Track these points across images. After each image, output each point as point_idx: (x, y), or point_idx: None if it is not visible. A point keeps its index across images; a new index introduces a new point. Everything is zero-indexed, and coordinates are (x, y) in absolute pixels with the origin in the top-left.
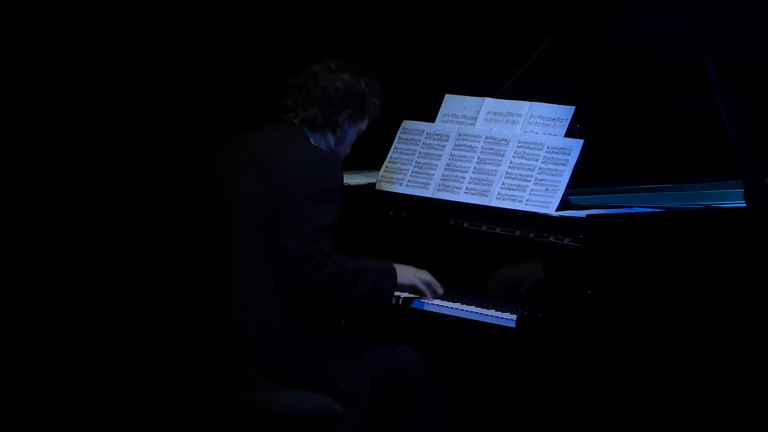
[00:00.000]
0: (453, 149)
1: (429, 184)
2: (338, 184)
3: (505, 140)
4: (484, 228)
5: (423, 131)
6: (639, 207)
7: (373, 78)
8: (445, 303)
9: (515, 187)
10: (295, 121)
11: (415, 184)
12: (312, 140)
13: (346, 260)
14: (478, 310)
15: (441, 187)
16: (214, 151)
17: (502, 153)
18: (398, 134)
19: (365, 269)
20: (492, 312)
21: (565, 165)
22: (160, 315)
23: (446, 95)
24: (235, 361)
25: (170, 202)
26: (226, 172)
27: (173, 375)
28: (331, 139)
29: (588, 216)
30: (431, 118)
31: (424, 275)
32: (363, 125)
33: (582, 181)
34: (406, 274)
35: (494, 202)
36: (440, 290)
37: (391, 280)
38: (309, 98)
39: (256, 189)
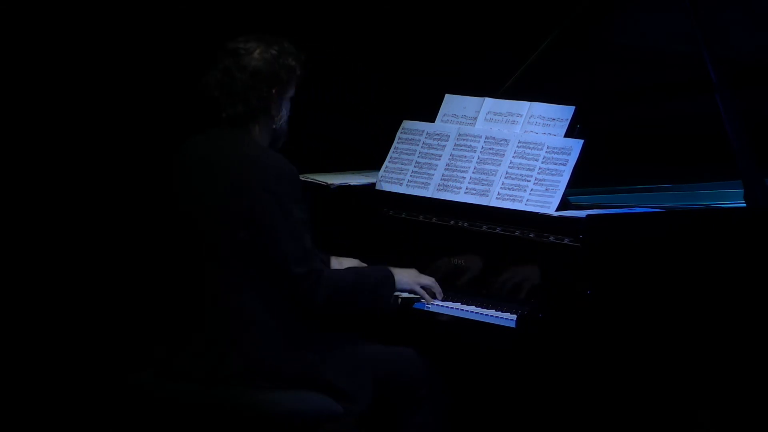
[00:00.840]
0: (453, 149)
1: (429, 184)
2: (299, 182)
3: (505, 140)
4: (484, 228)
5: (423, 131)
6: (639, 207)
7: (280, 42)
8: (445, 303)
9: (515, 187)
10: (230, 119)
11: (415, 184)
12: (253, 130)
13: (339, 273)
14: (478, 310)
15: (441, 187)
16: (172, 156)
17: (502, 153)
18: (398, 134)
19: (362, 279)
20: (492, 312)
21: (565, 165)
22: (160, 315)
23: (446, 95)
24: (233, 364)
25: (165, 206)
26: (198, 180)
27: (172, 377)
28: (269, 122)
29: (588, 216)
30: (431, 118)
31: (424, 279)
32: (291, 92)
33: (582, 181)
34: (405, 279)
35: (494, 202)
36: (440, 295)
37: (389, 287)
38: (232, 95)
39: (233, 196)
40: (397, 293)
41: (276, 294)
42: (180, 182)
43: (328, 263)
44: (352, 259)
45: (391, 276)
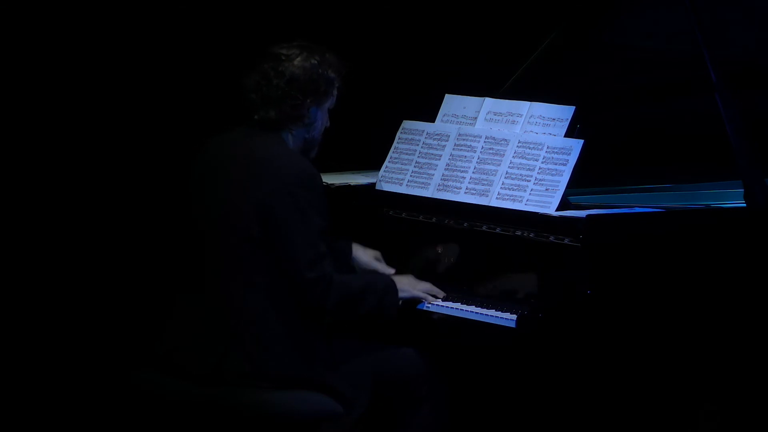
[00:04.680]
0: (453, 149)
1: (429, 184)
2: (322, 190)
3: (505, 140)
4: (484, 228)
5: (423, 131)
6: (639, 207)
7: (322, 52)
8: (445, 303)
9: (515, 187)
10: (261, 122)
11: (415, 184)
12: (284, 138)
13: (347, 279)
14: (478, 310)
15: (441, 187)
16: (195, 153)
17: (502, 153)
18: (398, 134)
19: (368, 286)
20: (492, 312)
21: (565, 165)
22: (161, 316)
23: (446, 95)
24: (231, 368)
25: (172, 203)
26: (217, 174)
27: (173, 376)
28: (301, 130)
29: (588, 216)
30: (431, 118)
31: (423, 285)
32: (330, 103)
33: (582, 181)
34: (406, 287)
35: (494, 202)
36: (441, 294)
37: (392, 295)
38: (267, 99)
39: (239, 201)
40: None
41: (284, 295)
42: (200, 176)
43: (349, 251)
44: (375, 251)
45: (393, 285)
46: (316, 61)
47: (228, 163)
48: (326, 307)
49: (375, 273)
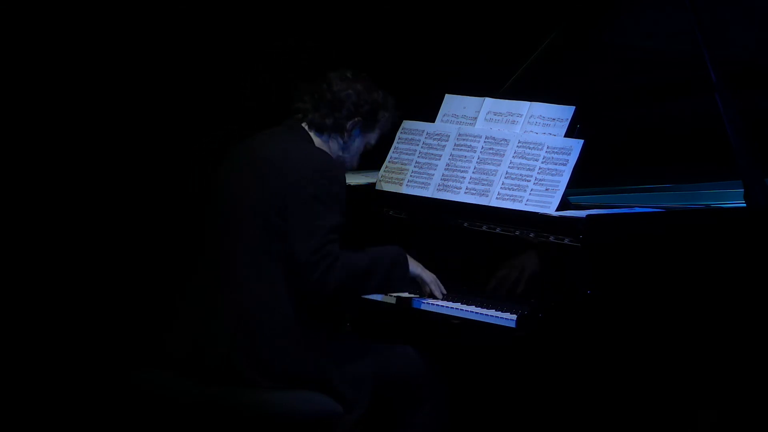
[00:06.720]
0: (453, 149)
1: (429, 184)
2: (343, 186)
3: (505, 140)
4: (484, 228)
5: (423, 131)
6: (639, 207)
7: (387, 93)
8: (444, 303)
9: (515, 187)
10: (303, 123)
11: (415, 184)
12: (319, 141)
13: (354, 257)
14: (478, 310)
15: (441, 187)
16: (222, 153)
17: (502, 153)
18: (398, 134)
19: (375, 261)
20: (492, 312)
21: (565, 165)
22: (162, 314)
23: (446, 95)
24: (235, 362)
25: (173, 203)
26: (229, 173)
27: (174, 374)
28: (338, 143)
29: (588, 216)
30: (431, 118)
31: (431, 273)
32: (372, 137)
33: (582, 181)
34: (416, 265)
35: (494, 202)
36: (443, 291)
37: (402, 268)
38: (320, 101)
39: (259, 189)
40: (397, 294)
41: (289, 293)
42: (220, 175)
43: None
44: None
45: (403, 255)
46: (378, 95)
47: (249, 160)
48: (330, 286)
49: (384, 247)
